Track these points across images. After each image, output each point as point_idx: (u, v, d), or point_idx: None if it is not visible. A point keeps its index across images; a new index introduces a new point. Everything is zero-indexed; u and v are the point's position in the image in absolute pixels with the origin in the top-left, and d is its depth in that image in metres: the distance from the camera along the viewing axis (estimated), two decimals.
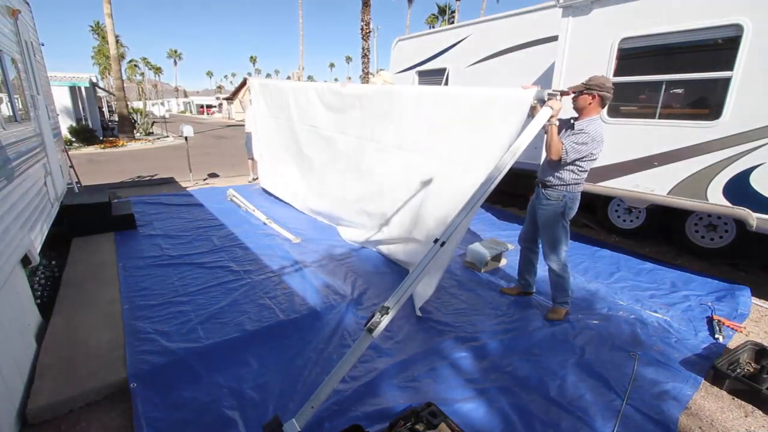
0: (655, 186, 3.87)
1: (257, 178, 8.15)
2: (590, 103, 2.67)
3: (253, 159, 7.95)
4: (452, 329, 2.92)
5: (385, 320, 1.79)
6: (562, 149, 2.64)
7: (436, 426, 1.85)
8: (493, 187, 2.17)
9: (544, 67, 5.35)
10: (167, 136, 19.65)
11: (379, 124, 4.03)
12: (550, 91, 2.49)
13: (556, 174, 2.79)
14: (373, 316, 1.79)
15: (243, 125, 8.02)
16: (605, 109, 4.09)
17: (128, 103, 19.76)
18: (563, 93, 2.56)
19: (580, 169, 2.71)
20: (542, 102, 2.50)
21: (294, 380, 2.34)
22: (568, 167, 2.72)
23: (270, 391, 2.25)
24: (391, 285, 3.58)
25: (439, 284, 3.59)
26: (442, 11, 42.56)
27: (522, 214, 6.05)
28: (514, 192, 5.58)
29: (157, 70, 74.80)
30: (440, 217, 3.28)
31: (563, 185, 2.78)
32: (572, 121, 2.79)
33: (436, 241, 2.02)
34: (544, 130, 2.65)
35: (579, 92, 2.68)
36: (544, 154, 3.09)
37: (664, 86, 3.82)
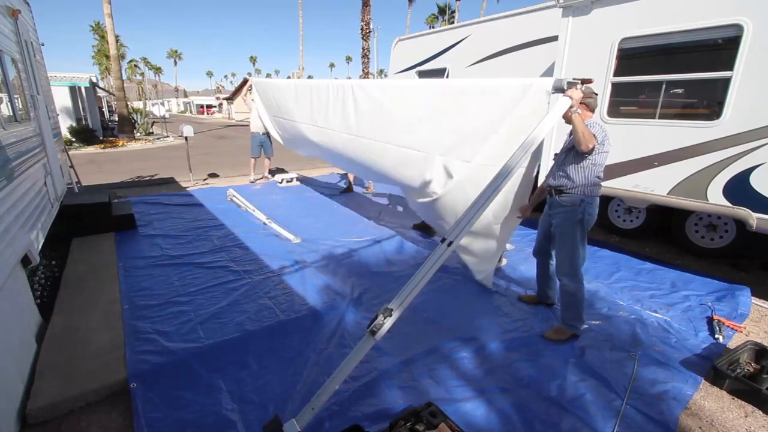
0: (655, 186, 3.86)
1: (259, 179, 8.18)
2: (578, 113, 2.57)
3: (255, 159, 7.96)
4: (452, 329, 2.92)
5: (388, 323, 1.77)
6: (594, 137, 2.45)
7: (436, 426, 1.84)
8: (504, 184, 2.11)
9: (545, 67, 5.35)
10: (167, 136, 19.64)
11: (380, 122, 3.96)
12: (569, 80, 2.32)
13: (571, 177, 2.61)
14: (375, 317, 1.78)
15: (243, 125, 8.00)
16: (604, 111, 4.11)
17: (128, 103, 19.76)
18: (584, 81, 2.39)
19: (594, 164, 2.55)
20: (561, 91, 2.35)
21: (294, 380, 2.34)
22: (583, 165, 2.55)
23: (270, 392, 2.25)
24: (392, 285, 3.58)
25: (438, 285, 3.61)
26: (442, 11, 42.55)
27: None
28: None
29: (157, 70, 74.80)
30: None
31: (579, 187, 2.60)
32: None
33: (443, 240, 2.00)
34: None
35: None
36: (551, 162, 3.03)
37: (664, 86, 3.82)
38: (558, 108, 2.28)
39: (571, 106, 2.33)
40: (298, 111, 5.27)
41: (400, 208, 6.32)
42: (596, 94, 2.63)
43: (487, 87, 2.92)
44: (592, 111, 2.64)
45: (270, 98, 6.14)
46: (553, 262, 3.05)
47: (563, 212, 2.70)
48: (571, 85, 2.33)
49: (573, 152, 2.59)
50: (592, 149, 2.47)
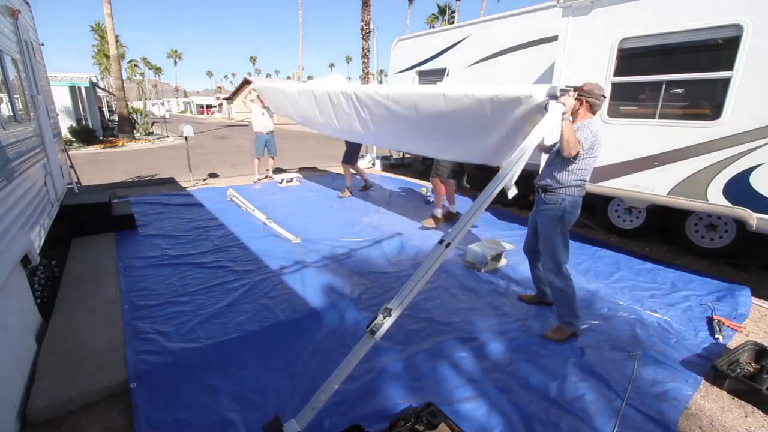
0: (655, 186, 3.86)
1: (263, 178, 8.17)
2: (578, 109, 2.65)
3: (259, 159, 7.96)
4: (452, 329, 2.92)
5: (388, 322, 1.78)
6: (580, 144, 2.53)
7: (436, 426, 1.84)
8: (499, 188, 2.14)
9: (545, 67, 5.35)
10: (167, 136, 19.64)
11: (396, 126, 3.93)
12: (562, 87, 2.41)
13: (555, 177, 2.71)
14: (375, 317, 1.78)
15: (243, 125, 8.03)
16: (604, 111, 4.11)
17: (128, 103, 19.77)
18: (576, 89, 2.48)
19: (580, 168, 2.63)
20: (554, 98, 2.41)
21: (294, 380, 2.34)
22: (568, 168, 2.65)
23: (270, 392, 2.25)
24: (392, 285, 3.58)
25: (438, 285, 3.61)
26: (442, 11, 42.53)
27: (522, 214, 6.05)
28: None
29: (157, 70, 74.87)
30: None
31: (562, 188, 2.70)
32: None
33: (441, 242, 2.01)
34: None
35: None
36: (543, 160, 3.08)
37: (664, 86, 3.82)
38: (551, 114, 2.33)
39: (564, 113, 2.39)
40: (309, 114, 5.20)
41: (400, 209, 6.31)
42: (604, 97, 2.68)
43: (485, 94, 2.93)
44: (594, 113, 2.70)
45: (275, 100, 6.13)
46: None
47: (546, 210, 2.79)
48: (564, 92, 2.40)
49: (561, 155, 2.64)
50: (576, 156, 2.56)
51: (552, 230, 2.77)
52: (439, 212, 5.32)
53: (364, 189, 7.37)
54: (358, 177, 7.50)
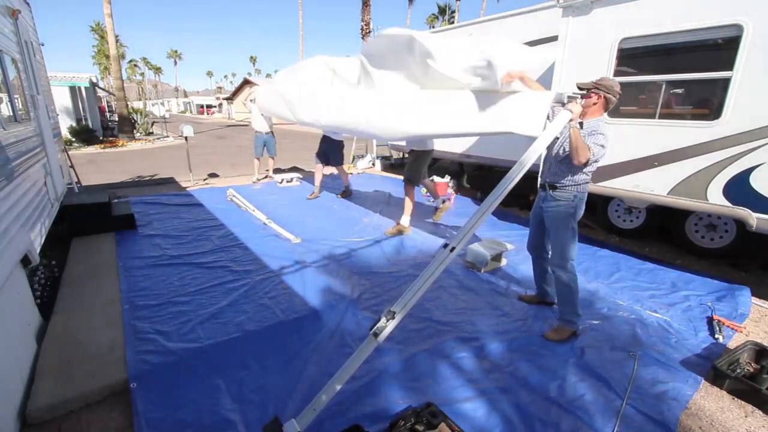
0: (655, 186, 3.86)
1: (263, 178, 8.17)
2: (595, 104, 2.60)
3: (259, 159, 7.95)
4: (452, 329, 2.92)
5: (391, 325, 1.77)
6: (591, 152, 2.52)
7: (436, 426, 1.85)
8: (504, 194, 2.12)
9: (544, 68, 5.34)
10: (167, 136, 19.65)
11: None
12: (570, 94, 2.37)
13: (567, 174, 2.70)
14: (378, 320, 1.78)
15: (243, 125, 8.02)
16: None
17: (128, 103, 19.78)
18: (584, 96, 2.45)
19: (590, 169, 2.67)
20: (561, 104, 2.38)
21: (294, 381, 2.34)
22: (582, 169, 2.63)
23: (270, 392, 2.25)
24: (392, 285, 3.59)
25: (439, 285, 3.61)
26: (442, 11, 42.50)
27: (522, 214, 6.05)
28: (514, 192, 5.56)
29: (157, 70, 74.94)
30: None
31: (574, 185, 2.70)
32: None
33: (445, 246, 2.01)
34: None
35: (587, 90, 2.60)
36: (543, 155, 3.05)
37: (664, 86, 3.82)
38: (557, 122, 2.30)
39: (571, 119, 2.35)
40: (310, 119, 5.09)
41: (400, 209, 6.31)
42: (620, 94, 2.63)
43: (488, 99, 2.88)
44: (606, 110, 2.66)
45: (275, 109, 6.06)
46: (548, 255, 3.10)
47: (557, 206, 2.78)
48: (571, 99, 2.36)
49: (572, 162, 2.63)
50: (585, 163, 2.55)
51: (563, 226, 2.78)
52: (407, 220, 5.06)
53: (312, 197, 6.83)
54: (353, 177, 7.43)
